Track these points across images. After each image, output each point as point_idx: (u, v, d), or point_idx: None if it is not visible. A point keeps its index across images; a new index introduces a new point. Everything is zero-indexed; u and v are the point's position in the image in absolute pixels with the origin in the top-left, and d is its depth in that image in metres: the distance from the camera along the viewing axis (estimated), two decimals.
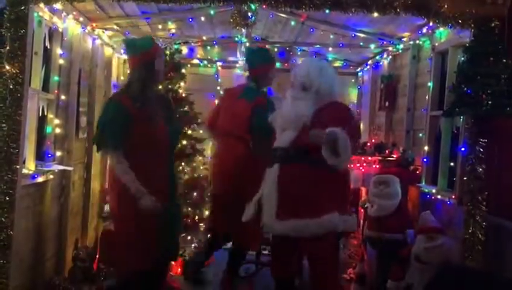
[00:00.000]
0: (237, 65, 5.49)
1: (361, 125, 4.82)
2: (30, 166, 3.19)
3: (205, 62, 5.61)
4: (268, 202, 2.73)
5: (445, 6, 2.87)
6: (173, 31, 4.73)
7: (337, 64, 5.63)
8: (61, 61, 3.64)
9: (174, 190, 2.80)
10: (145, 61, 2.70)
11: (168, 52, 4.62)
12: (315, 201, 2.69)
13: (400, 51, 4.63)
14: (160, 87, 4.47)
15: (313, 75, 2.79)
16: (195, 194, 4.45)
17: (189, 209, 4.49)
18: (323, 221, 2.67)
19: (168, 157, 2.76)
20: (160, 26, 4.63)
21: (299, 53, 5.56)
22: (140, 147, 2.59)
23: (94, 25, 4.19)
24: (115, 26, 4.36)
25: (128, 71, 2.85)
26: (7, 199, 2.50)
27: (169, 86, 4.55)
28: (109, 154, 2.64)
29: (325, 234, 2.66)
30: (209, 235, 3.52)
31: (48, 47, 3.52)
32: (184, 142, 4.57)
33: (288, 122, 2.77)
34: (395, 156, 4.21)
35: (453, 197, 3.30)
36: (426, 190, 3.73)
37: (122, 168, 2.56)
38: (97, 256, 3.81)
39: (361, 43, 4.71)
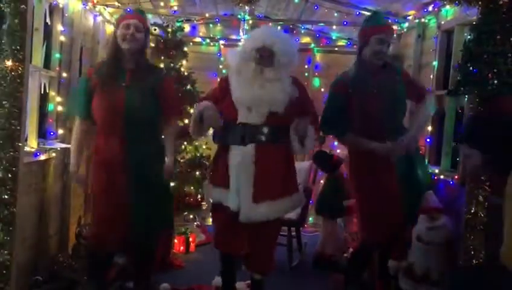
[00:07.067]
0: (240, 43, 5.44)
1: None
2: (32, 144, 3.19)
3: (207, 40, 5.55)
4: (246, 184, 2.63)
5: None
6: (175, 8, 4.67)
7: (341, 43, 5.57)
8: (62, 38, 3.61)
9: (137, 164, 2.68)
10: (114, 31, 2.82)
11: (170, 29, 4.57)
12: (287, 180, 2.72)
13: (405, 30, 4.57)
14: (162, 65, 4.47)
15: (292, 51, 2.71)
16: (197, 173, 4.45)
17: (192, 188, 4.50)
18: (294, 199, 2.75)
19: (126, 130, 2.67)
20: (162, 3, 4.57)
21: (302, 31, 5.49)
22: (97, 117, 2.73)
23: (95, 1, 4.13)
24: (116, 3, 4.31)
25: None
26: (10, 176, 2.49)
27: (172, 65, 4.51)
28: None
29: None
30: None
31: (49, 23, 3.48)
32: (186, 121, 4.56)
33: (265, 105, 2.64)
34: None
35: (456, 177, 3.29)
36: (429, 170, 3.73)
37: (73, 137, 2.86)
38: None
39: None
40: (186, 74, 4.60)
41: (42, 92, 3.42)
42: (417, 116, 2.97)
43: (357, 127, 2.89)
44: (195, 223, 4.71)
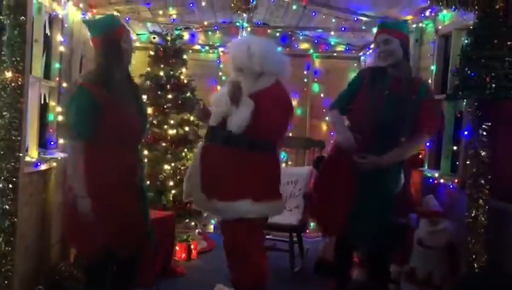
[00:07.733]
0: None
1: None
2: (33, 154, 3.20)
3: (207, 48, 5.58)
4: (195, 178, 2.78)
5: None
6: (174, 16, 4.70)
7: (340, 48, 5.59)
8: (62, 48, 3.63)
9: (141, 180, 2.71)
10: (109, 41, 2.52)
11: (169, 38, 4.60)
12: (231, 184, 2.67)
13: None
14: (161, 73, 4.48)
15: (242, 57, 2.71)
16: None
17: None
18: (235, 205, 2.65)
19: (136, 148, 2.69)
20: (161, 12, 4.60)
21: (301, 38, 5.52)
22: (109, 136, 2.48)
23: (94, 11, 4.16)
24: (116, 12, 4.34)
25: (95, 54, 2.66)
26: (10, 186, 2.50)
27: (171, 72, 4.53)
28: (69, 142, 2.57)
29: (236, 219, 2.68)
30: None
31: (48, 34, 3.51)
32: (186, 128, 4.57)
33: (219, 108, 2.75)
34: None
35: (456, 181, 3.29)
36: (429, 174, 3.73)
37: (74, 160, 2.50)
38: None
39: (363, 27, 4.67)
40: (185, 81, 4.62)
41: (42, 102, 3.44)
42: (405, 144, 2.91)
43: (351, 120, 2.94)
44: (196, 231, 4.70)
